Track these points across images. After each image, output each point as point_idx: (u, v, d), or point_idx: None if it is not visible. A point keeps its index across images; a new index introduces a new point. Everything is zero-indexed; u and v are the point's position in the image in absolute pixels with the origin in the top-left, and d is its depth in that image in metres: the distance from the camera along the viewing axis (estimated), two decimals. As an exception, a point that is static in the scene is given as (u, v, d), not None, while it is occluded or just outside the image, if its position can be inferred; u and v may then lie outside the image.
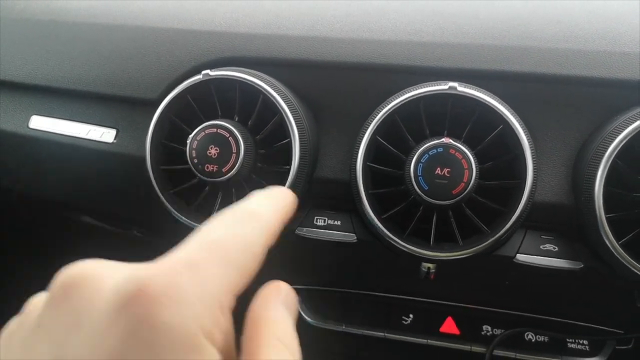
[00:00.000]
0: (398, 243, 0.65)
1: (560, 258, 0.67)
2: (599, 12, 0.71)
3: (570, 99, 0.68)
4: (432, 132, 0.66)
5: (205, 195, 0.71)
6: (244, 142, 0.65)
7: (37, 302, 0.29)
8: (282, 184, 0.67)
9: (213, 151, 0.65)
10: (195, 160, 0.66)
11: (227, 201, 0.70)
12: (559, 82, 0.67)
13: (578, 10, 0.71)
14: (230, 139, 0.65)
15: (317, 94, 0.72)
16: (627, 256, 0.61)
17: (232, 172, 0.65)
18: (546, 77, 0.67)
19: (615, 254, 0.62)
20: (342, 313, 0.86)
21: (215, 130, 0.66)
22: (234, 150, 0.65)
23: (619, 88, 0.66)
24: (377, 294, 0.85)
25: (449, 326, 0.83)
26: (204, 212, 0.71)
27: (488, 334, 0.82)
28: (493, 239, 0.63)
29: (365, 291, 0.86)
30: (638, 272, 0.62)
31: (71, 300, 0.26)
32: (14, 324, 0.30)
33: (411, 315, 0.84)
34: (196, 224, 0.69)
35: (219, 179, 0.65)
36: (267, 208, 0.33)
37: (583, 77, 0.66)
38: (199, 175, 0.66)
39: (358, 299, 0.86)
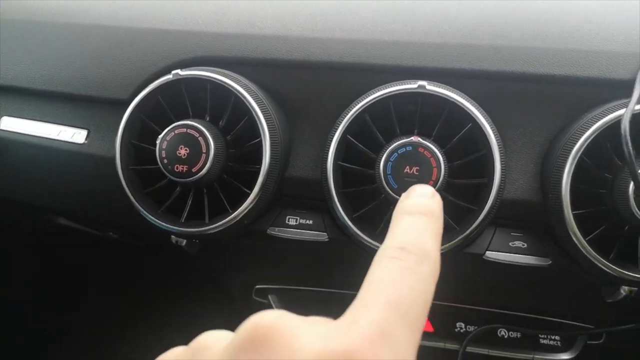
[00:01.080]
0: (368, 242, 0.66)
1: (529, 255, 0.68)
2: (568, 11, 0.72)
3: (539, 97, 0.69)
4: (404, 130, 0.67)
5: (177, 196, 0.70)
6: (214, 142, 0.65)
7: (214, 341, 0.29)
8: (254, 183, 0.66)
9: (183, 151, 0.65)
10: (165, 161, 0.65)
11: (199, 201, 0.70)
12: (528, 80, 0.68)
13: (548, 9, 0.72)
14: (200, 139, 0.65)
15: (289, 93, 0.72)
16: (594, 252, 0.62)
17: (201, 172, 0.65)
18: (515, 75, 0.68)
19: (582, 250, 0.62)
20: (317, 313, 0.85)
21: (185, 130, 0.65)
22: (204, 151, 0.65)
23: (587, 86, 0.67)
24: (353, 292, 0.85)
25: (424, 324, 0.84)
26: (176, 213, 0.71)
27: (462, 331, 0.83)
28: (461, 236, 0.64)
29: (341, 290, 0.86)
30: (604, 268, 0.63)
31: (262, 356, 0.25)
32: (177, 355, 0.29)
33: (386, 313, 0.85)
34: (167, 226, 0.69)
35: (189, 179, 0.65)
36: (432, 240, 0.32)
37: (552, 75, 0.67)
38: (168, 175, 0.66)
39: (333, 297, 0.86)
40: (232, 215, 0.67)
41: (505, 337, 0.82)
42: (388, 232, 0.34)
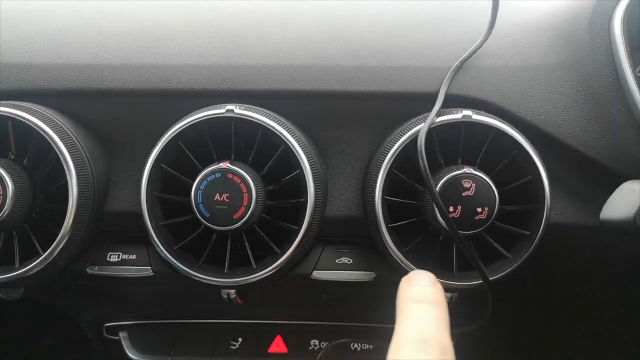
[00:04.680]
0: (191, 274, 0.64)
1: (354, 270, 0.69)
2: (381, 28, 0.73)
3: (357, 113, 0.70)
4: (227, 156, 0.66)
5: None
6: (13, 183, 0.61)
7: None
8: (62, 221, 0.63)
9: (-23, 194, 0.60)
10: None
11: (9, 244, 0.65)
12: (344, 98, 0.68)
13: (362, 28, 0.73)
14: (-7, 180, 0.60)
15: (104, 123, 0.69)
16: (410, 263, 0.64)
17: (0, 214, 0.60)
18: (331, 94, 0.68)
19: (399, 262, 0.64)
20: (169, 345, 0.83)
21: None
22: (0, 192, 0.60)
23: (400, 100, 0.69)
24: (203, 321, 0.83)
25: (278, 345, 0.83)
26: None
27: (315, 348, 0.83)
28: (283, 258, 0.63)
29: (192, 320, 0.83)
30: (423, 278, 0.64)
31: None
32: None
33: (240, 339, 0.83)
34: None
35: None
36: (446, 332, 0.35)
37: (365, 92, 0.68)
38: None
39: (185, 328, 0.84)
40: (43, 257, 0.63)
41: (359, 349, 0.83)
42: (398, 319, 0.37)
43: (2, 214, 0.60)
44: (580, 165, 0.66)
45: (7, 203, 0.60)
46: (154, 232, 0.64)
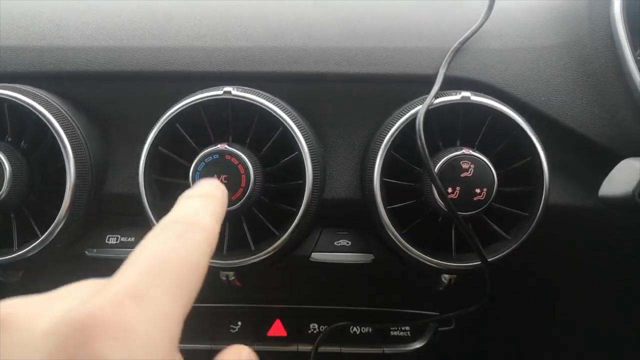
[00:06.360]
0: None
1: (353, 252, 0.69)
2: (379, 10, 0.73)
3: (355, 95, 0.69)
4: (224, 138, 0.65)
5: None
6: (10, 165, 0.61)
7: None
8: (60, 204, 0.63)
9: (-25, 176, 0.60)
10: None
11: (7, 227, 0.65)
12: (342, 80, 0.68)
13: (362, 9, 0.73)
14: (-8, 162, 0.60)
15: (102, 106, 0.69)
16: (408, 245, 0.64)
17: (-6, 196, 0.60)
18: (328, 75, 0.68)
19: (398, 243, 0.64)
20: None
21: None
22: (-3, 174, 0.60)
23: (398, 82, 0.68)
24: (202, 305, 0.83)
25: (277, 329, 0.83)
26: None
27: (315, 332, 0.83)
28: (281, 240, 0.63)
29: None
30: (421, 260, 0.64)
31: None
32: None
33: (239, 323, 0.83)
34: None
35: None
36: (206, 214, 0.31)
37: (363, 74, 0.68)
38: None
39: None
40: (41, 239, 0.63)
41: (357, 333, 0.83)
42: None
43: (0, 196, 0.60)
44: (579, 146, 0.66)
45: (4, 185, 0.60)
46: (152, 214, 0.64)
